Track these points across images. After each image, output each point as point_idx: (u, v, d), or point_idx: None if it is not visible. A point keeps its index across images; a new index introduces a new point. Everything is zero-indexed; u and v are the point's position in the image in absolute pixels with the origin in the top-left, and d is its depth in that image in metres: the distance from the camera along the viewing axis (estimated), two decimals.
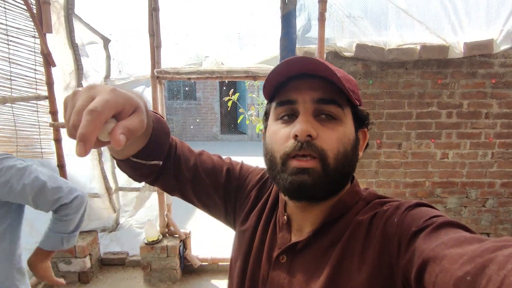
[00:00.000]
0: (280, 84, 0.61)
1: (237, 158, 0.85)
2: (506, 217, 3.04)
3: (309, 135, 0.55)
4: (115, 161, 0.68)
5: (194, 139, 11.20)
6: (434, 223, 0.47)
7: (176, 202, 3.07)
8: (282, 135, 0.59)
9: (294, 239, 0.64)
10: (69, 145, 3.00)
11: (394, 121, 2.91)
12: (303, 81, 0.59)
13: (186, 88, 10.70)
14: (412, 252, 0.46)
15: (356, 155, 0.62)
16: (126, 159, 0.62)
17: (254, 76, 2.77)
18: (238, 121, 5.44)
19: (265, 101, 0.72)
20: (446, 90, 2.85)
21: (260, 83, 5.18)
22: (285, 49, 2.83)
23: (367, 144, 0.68)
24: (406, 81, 2.85)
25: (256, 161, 0.83)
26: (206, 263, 3.13)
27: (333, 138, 0.57)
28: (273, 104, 0.63)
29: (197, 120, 10.76)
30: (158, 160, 0.66)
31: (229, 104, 4.37)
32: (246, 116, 4.92)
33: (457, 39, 2.71)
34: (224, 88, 10.54)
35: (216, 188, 0.77)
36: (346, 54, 2.77)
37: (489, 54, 2.75)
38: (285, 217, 0.67)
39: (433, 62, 2.79)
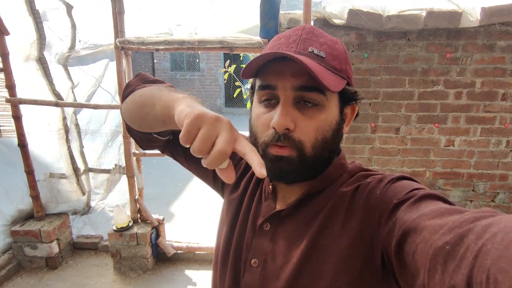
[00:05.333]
0: (261, 65, 0.58)
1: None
2: None
3: (287, 128, 0.55)
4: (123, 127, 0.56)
5: None
6: (415, 195, 0.48)
7: (152, 187, 2.84)
8: (263, 122, 0.58)
9: (278, 208, 0.65)
10: (32, 122, 2.76)
11: (392, 102, 2.51)
12: (285, 64, 0.55)
13: (190, 59, 10.24)
14: (393, 224, 0.47)
15: (338, 137, 0.62)
16: (147, 133, 0.70)
17: (230, 47, 2.41)
18: (234, 95, 5.07)
19: None
20: (456, 66, 2.41)
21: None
22: (265, 16, 2.44)
23: (357, 114, 0.66)
24: (408, 55, 2.42)
25: None
26: (182, 251, 2.93)
27: (312, 128, 0.56)
28: (257, 82, 0.61)
29: (201, 92, 10.35)
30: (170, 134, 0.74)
31: (225, 76, 4.12)
32: (243, 89, 4.58)
33: (472, 3, 2.25)
34: (231, 60, 10.08)
35: None
36: (337, 21, 2.35)
37: None
38: (270, 186, 0.68)
39: (441, 32, 2.35)
